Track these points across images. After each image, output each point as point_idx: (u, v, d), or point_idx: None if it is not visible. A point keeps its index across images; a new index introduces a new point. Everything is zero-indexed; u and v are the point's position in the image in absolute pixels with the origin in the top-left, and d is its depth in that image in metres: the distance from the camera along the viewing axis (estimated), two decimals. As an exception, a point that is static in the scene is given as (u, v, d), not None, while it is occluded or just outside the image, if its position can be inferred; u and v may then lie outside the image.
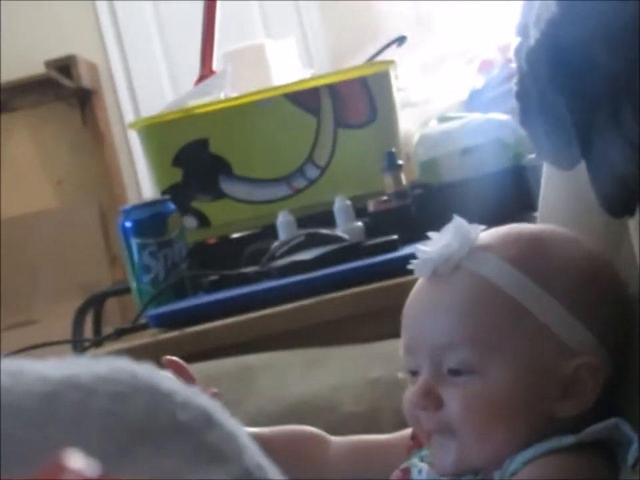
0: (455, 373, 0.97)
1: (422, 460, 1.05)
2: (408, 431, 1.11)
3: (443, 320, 0.99)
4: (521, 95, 0.86)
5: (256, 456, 0.51)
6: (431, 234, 1.01)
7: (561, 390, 0.98)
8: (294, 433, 1.18)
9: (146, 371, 0.50)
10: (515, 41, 0.88)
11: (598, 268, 1.03)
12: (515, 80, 0.91)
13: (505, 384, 0.96)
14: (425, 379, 0.99)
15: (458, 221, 1.00)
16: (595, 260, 1.03)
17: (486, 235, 1.02)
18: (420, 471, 1.04)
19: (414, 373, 1.01)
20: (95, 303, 2.35)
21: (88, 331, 2.30)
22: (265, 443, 0.96)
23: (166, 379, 0.51)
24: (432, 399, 0.98)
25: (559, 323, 0.98)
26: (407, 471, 1.06)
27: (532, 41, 0.78)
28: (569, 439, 0.95)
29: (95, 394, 0.47)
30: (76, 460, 0.30)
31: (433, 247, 1.00)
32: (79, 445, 0.44)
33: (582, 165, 0.88)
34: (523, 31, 0.84)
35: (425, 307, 1.02)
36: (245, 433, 0.52)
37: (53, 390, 0.47)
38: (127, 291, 2.07)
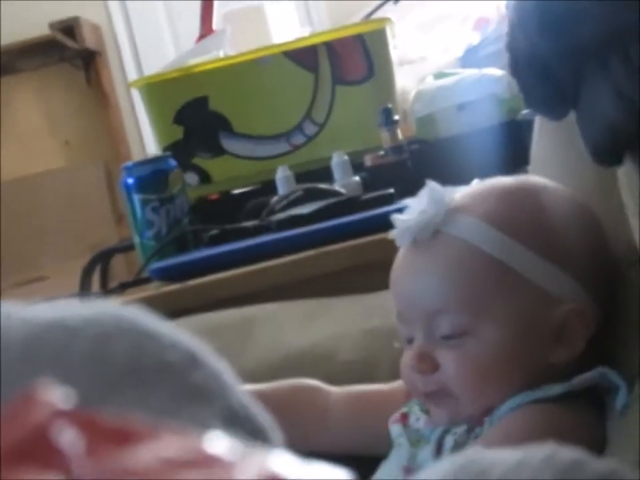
0: (448, 337, 0.98)
1: (421, 409, 1.05)
2: None
3: (430, 287, 1.00)
4: (511, 46, 0.85)
5: (240, 395, 0.51)
6: (407, 201, 1.02)
7: (553, 337, 0.98)
8: (293, 386, 1.18)
9: (132, 313, 0.50)
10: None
11: (576, 217, 1.03)
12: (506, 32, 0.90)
13: (497, 341, 0.97)
14: (420, 344, 1.00)
15: (432, 186, 1.00)
16: (573, 209, 1.03)
17: (461, 195, 1.02)
18: (418, 419, 1.05)
19: (409, 341, 1.02)
20: (101, 260, 2.34)
21: (96, 287, 2.30)
22: (265, 398, 0.97)
23: (152, 320, 0.50)
24: (428, 363, 0.99)
25: (541, 274, 0.98)
26: (405, 416, 1.07)
27: (520, -9, 0.78)
28: (557, 388, 0.96)
29: (79, 336, 0.47)
30: (49, 392, 0.30)
31: (411, 214, 1.00)
32: (63, 386, 0.44)
33: (572, 117, 0.87)
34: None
35: (411, 274, 1.02)
36: (230, 372, 0.52)
37: (38, 332, 0.47)
38: (132, 247, 2.06)
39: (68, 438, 0.28)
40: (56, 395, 0.30)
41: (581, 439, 0.91)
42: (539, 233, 0.99)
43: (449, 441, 0.99)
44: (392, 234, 1.02)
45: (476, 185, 1.05)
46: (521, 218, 0.99)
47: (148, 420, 0.34)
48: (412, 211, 1.00)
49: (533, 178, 1.08)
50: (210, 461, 0.29)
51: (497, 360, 0.97)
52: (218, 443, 0.31)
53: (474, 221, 0.98)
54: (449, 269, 0.98)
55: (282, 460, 0.30)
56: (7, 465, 0.27)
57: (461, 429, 0.99)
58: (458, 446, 0.98)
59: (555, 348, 0.99)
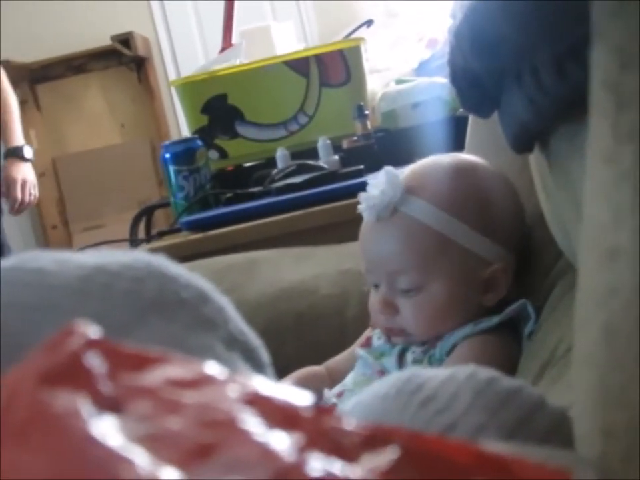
0: (405, 291, 0.97)
1: (380, 336, 1.05)
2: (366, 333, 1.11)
3: (391, 254, 0.98)
4: (451, 62, 0.84)
5: (239, 324, 0.50)
6: (369, 180, 1.00)
7: (483, 288, 0.98)
8: (307, 373, 1.15)
9: (158, 260, 0.49)
10: (449, 22, 0.86)
11: (502, 193, 1.02)
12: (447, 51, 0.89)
13: (442, 293, 0.97)
14: (384, 293, 1.00)
15: (388, 169, 0.99)
16: (499, 185, 1.02)
17: (412, 177, 1.00)
18: (379, 338, 1.04)
19: (376, 286, 1.01)
20: (146, 213, 2.32)
21: (141, 234, 2.29)
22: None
23: (173, 265, 0.50)
24: (391, 308, 1.00)
25: (474, 244, 0.97)
26: (369, 339, 1.07)
27: (458, 21, 0.76)
28: (494, 320, 0.96)
29: (119, 277, 0.46)
30: (83, 326, 0.29)
31: (373, 191, 0.98)
32: (106, 315, 0.43)
33: (495, 116, 0.86)
34: (453, 14, 0.82)
35: (377, 243, 1.00)
36: (231, 306, 0.51)
37: (87, 274, 0.46)
38: (169, 204, 2.05)
39: (95, 363, 0.28)
40: (89, 328, 0.29)
41: (509, 358, 0.92)
42: (474, 211, 0.98)
43: (409, 357, 0.99)
44: (359, 208, 1.00)
45: (421, 163, 1.04)
46: (459, 199, 0.98)
47: (160, 348, 0.33)
48: (372, 189, 0.99)
49: (466, 157, 1.06)
50: (206, 381, 0.29)
51: (442, 307, 0.97)
52: (213, 367, 0.30)
53: (423, 203, 0.97)
54: (405, 241, 0.97)
55: (261, 382, 0.29)
56: (46, 384, 0.26)
57: (418, 349, 0.99)
58: (416, 362, 0.98)
59: (485, 294, 0.99)
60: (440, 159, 1.04)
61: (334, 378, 1.12)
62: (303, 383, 1.11)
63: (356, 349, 1.07)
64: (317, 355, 1.20)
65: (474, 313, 0.98)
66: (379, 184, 0.98)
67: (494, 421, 0.42)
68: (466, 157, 1.06)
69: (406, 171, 1.02)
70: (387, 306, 0.99)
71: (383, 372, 1.01)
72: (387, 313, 0.99)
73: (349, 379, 1.06)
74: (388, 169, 0.98)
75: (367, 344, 1.06)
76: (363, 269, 1.04)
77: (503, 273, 0.99)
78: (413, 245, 0.97)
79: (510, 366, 0.91)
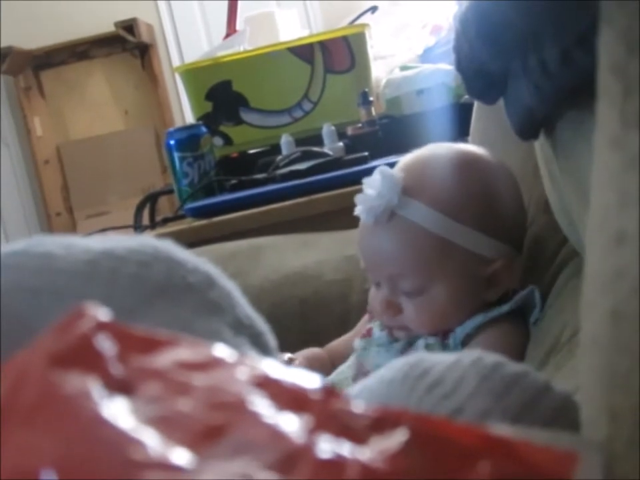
0: (407, 294, 0.97)
1: (382, 328, 1.04)
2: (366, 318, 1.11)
3: (391, 259, 0.97)
4: (456, 48, 0.84)
5: (246, 308, 0.50)
6: (364, 180, 0.97)
7: (486, 285, 0.98)
8: (313, 352, 1.16)
9: (165, 244, 0.49)
10: (454, 8, 0.86)
11: (504, 190, 1.00)
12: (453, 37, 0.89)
13: (445, 295, 0.96)
14: (386, 294, 0.99)
15: (383, 169, 0.96)
16: (502, 182, 1.00)
17: (411, 177, 0.97)
18: (381, 330, 1.04)
19: (377, 283, 1.00)
20: (150, 200, 2.32)
21: (146, 219, 2.29)
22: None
23: (180, 250, 0.50)
24: (393, 309, 0.99)
25: (475, 244, 0.96)
26: (370, 330, 1.06)
27: (464, 8, 0.76)
28: (505, 307, 0.96)
29: (125, 262, 0.46)
30: (93, 308, 0.29)
31: (369, 192, 0.95)
32: (113, 299, 0.43)
33: (501, 102, 0.86)
34: (459, 0, 0.82)
35: (376, 246, 0.98)
36: (238, 291, 0.51)
37: (94, 258, 0.46)
38: (173, 191, 2.05)
39: (106, 345, 0.28)
40: (99, 311, 0.29)
41: (522, 344, 0.92)
42: (475, 211, 0.96)
43: (421, 343, 0.98)
44: (356, 210, 0.97)
45: (419, 157, 1.02)
46: (460, 200, 0.96)
47: (169, 331, 0.33)
48: (368, 189, 0.96)
49: (466, 150, 1.02)
50: (216, 364, 0.29)
51: (445, 307, 0.96)
52: (222, 350, 0.30)
53: (422, 206, 0.95)
54: (404, 245, 0.96)
55: (269, 364, 0.30)
56: (57, 366, 0.26)
57: (431, 338, 0.98)
58: (429, 349, 0.97)
59: (487, 290, 0.98)
60: (439, 152, 1.01)
61: (335, 362, 1.12)
62: (308, 364, 1.11)
63: (356, 340, 1.06)
64: (321, 341, 1.20)
65: (477, 307, 0.98)
66: (375, 185, 0.95)
67: (499, 405, 0.42)
68: (466, 149, 1.02)
69: (402, 165, 0.99)
70: (389, 307, 0.98)
71: (368, 372, 1.00)
72: (390, 313, 0.99)
73: (341, 373, 1.06)
74: (383, 169, 0.95)
75: (368, 334, 1.06)
76: (362, 266, 1.02)
77: (505, 269, 0.98)
78: (413, 249, 0.95)
79: (523, 352, 0.92)
